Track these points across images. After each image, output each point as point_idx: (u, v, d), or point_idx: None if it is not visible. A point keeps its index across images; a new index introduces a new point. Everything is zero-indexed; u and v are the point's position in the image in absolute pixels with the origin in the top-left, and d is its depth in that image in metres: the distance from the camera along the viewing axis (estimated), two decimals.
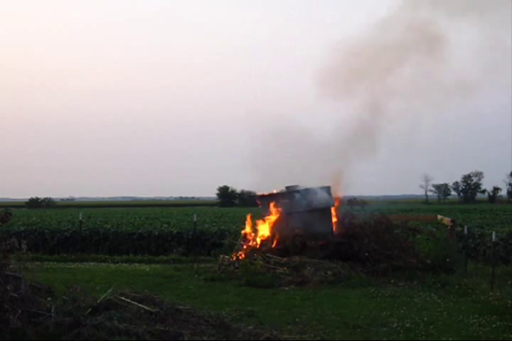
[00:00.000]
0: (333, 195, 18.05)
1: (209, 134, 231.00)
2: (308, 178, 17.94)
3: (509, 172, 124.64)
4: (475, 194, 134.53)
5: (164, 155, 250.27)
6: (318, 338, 9.32)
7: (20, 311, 8.42)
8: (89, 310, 8.99)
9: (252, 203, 19.50)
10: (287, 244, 16.87)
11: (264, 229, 17.77)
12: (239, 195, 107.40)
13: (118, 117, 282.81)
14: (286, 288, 14.50)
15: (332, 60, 18.30)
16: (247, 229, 18.17)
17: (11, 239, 9.29)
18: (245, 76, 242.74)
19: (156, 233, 24.01)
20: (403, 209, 40.72)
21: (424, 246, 17.50)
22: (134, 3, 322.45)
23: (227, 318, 9.91)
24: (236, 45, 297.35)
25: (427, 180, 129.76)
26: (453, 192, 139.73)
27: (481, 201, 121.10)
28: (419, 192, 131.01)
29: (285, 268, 15.70)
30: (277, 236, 17.30)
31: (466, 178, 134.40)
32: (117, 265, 19.63)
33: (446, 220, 24.79)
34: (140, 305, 9.22)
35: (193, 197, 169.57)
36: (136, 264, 19.80)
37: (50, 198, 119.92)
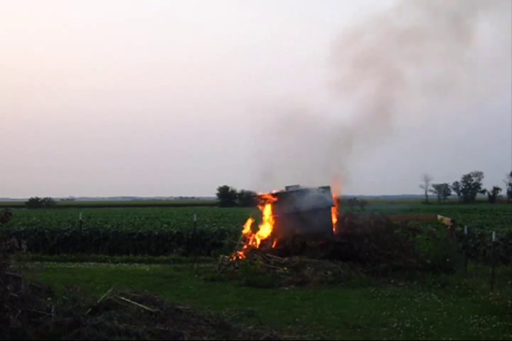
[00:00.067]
0: (333, 194, 18.06)
1: (209, 134, 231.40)
2: (309, 178, 17.95)
3: (509, 172, 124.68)
4: (475, 194, 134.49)
5: (164, 155, 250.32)
6: (318, 338, 9.33)
7: (20, 311, 8.43)
8: (89, 310, 9.00)
9: (252, 203, 19.46)
10: (287, 244, 16.88)
11: (264, 229, 17.78)
12: (239, 195, 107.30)
13: (118, 117, 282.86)
14: (286, 288, 14.50)
15: (342, 49, 18.19)
16: (247, 229, 18.18)
17: (11, 239, 9.29)
18: (245, 76, 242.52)
19: (156, 233, 24.02)
20: (403, 209, 40.69)
21: (424, 246, 17.51)
22: (134, 3, 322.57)
23: (227, 318, 9.92)
24: (236, 45, 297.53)
25: (427, 180, 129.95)
26: (453, 192, 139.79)
27: (481, 201, 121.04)
28: (419, 192, 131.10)
29: (285, 268, 15.71)
30: (277, 236, 17.31)
31: (466, 178, 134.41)
32: (117, 265, 19.64)
33: (446, 220, 24.83)
34: (140, 305, 9.22)
35: (193, 197, 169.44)
36: (136, 264, 19.81)
37: (50, 198, 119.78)
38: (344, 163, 18.23)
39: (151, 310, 9.12)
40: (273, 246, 17.22)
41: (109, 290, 9.78)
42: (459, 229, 21.23)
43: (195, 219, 23.08)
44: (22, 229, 25.69)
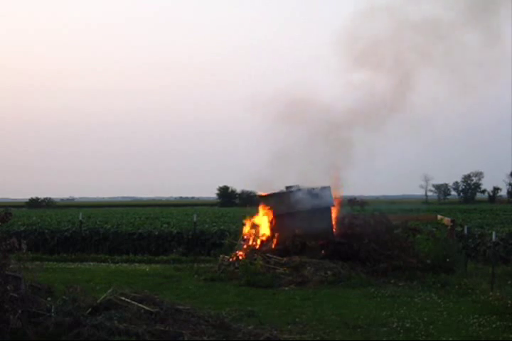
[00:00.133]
0: (333, 194, 18.06)
1: (209, 134, 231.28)
2: (310, 177, 17.94)
3: (509, 172, 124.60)
4: (475, 194, 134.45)
5: (164, 155, 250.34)
6: (318, 338, 9.33)
7: (20, 311, 8.42)
8: (89, 310, 9.00)
9: (252, 203, 19.46)
10: (287, 244, 16.87)
11: (264, 229, 17.78)
12: (239, 195, 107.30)
13: (118, 117, 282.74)
14: (286, 288, 14.50)
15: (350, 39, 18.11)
16: (247, 229, 18.17)
17: (11, 239, 9.29)
18: (245, 76, 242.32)
19: (156, 233, 24.01)
20: (403, 209, 40.70)
21: (424, 246, 17.51)
22: (134, 3, 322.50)
23: (227, 318, 9.91)
24: (236, 45, 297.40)
25: (427, 180, 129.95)
26: (453, 192, 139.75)
27: (481, 201, 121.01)
28: (419, 192, 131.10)
29: (285, 268, 15.71)
30: (277, 236, 17.31)
31: (466, 178, 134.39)
32: (117, 265, 19.64)
33: (446, 220, 24.83)
34: (140, 305, 9.22)
35: (193, 197, 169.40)
36: (136, 264, 19.81)
37: (50, 198, 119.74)
38: (344, 163, 18.23)
39: (151, 310, 9.12)
40: (273, 246, 17.22)
41: (109, 290, 9.78)
42: (459, 229, 21.22)
43: (195, 219, 23.07)
44: (22, 229, 25.69)
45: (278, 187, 18.12)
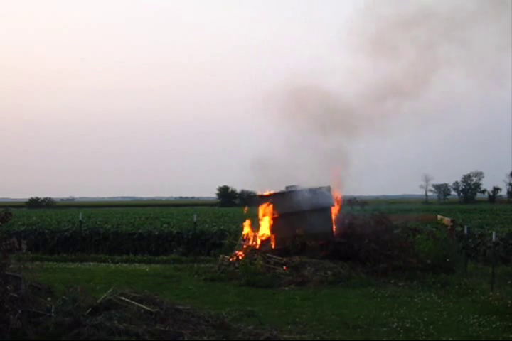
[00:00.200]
0: (333, 194, 18.06)
1: (209, 134, 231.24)
2: (310, 177, 17.93)
3: (509, 172, 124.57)
4: (475, 194, 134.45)
5: (164, 155, 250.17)
6: (318, 338, 9.33)
7: (20, 311, 8.42)
8: (89, 310, 9.00)
9: (252, 203, 19.44)
10: (287, 244, 16.87)
11: (264, 229, 17.78)
12: (239, 194, 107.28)
13: (118, 117, 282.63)
14: (286, 288, 14.50)
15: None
16: (247, 229, 18.17)
17: (11, 239, 9.29)
18: (245, 76, 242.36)
19: (156, 233, 24.02)
20: (403, 209, 40.68)
21: (424, 246, 17.50)
22: (134, 3, 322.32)
23: (227, 318, 9.90)
24: (236, 45, 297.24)
25: (427, 180, 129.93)
26: (453, 192, 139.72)
27: (481, 201, 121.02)
28: (419, 192, 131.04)
29: (285, 268, 15.71)
30: (277, 236, 17.31)
31: (466, 178, 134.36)
32: (117, 265, 19.64)
33: (446, 220, 24.86)
34: (140, 305, 9.22)
35: (193, 197, 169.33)
36: (136, 264, 19.81)
37: (50, 198, 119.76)
38: (344, 163, 18.23)
39: (151, 310, 9.12)
40: (273, 246, 17.23)
41: (109, 290, 9.78)
42: (459, 229, 21.23)
43: (195, 219, 23.08)
44: (22, 229, 25.70)
45: (278, 187, 18.12)
